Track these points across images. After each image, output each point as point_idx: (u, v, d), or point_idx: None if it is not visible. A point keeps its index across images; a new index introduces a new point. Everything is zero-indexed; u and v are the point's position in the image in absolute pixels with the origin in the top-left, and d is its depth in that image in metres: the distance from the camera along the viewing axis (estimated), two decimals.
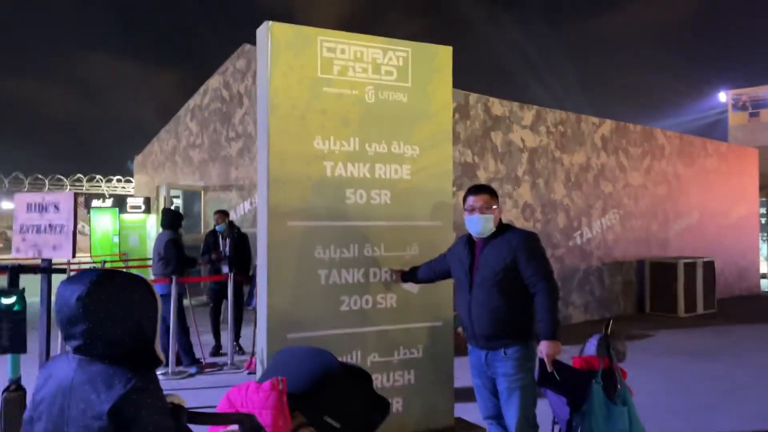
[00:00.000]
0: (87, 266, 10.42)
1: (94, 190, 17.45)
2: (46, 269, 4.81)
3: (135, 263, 12.63)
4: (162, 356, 1.80)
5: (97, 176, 17.78)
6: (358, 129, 3.77)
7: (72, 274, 1.91)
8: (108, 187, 17.89)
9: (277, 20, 3.61)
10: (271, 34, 3.57)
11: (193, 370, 6.53)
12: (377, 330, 3.81)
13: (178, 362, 6.62)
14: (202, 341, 7.38)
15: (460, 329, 3.52)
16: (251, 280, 7.01)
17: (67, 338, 1.71)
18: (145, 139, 16.19)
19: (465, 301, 3.34)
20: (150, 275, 8.15)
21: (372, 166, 3.81)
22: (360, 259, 3.78)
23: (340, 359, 2.49)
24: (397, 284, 3.88)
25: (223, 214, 7.82)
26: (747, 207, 14.51)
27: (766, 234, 17.11)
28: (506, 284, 3.20)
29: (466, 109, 8.86)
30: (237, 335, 7.40)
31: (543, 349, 3.14)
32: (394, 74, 3.88)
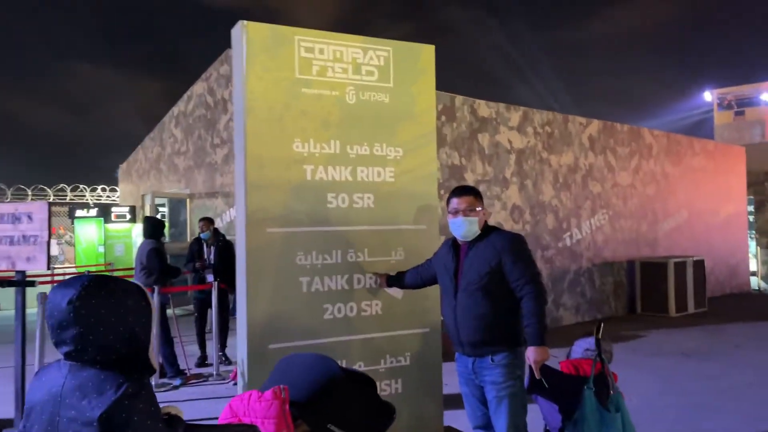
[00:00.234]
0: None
1: (78, 200, 17.19)
2: (20, 282, 4.67)
3: (121, 273, 12.42)
4: (156, 364, 1.77)
5: (81, 186, 17.52)
6: (339, 131, 3.66)
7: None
8: (92, 196, 17.63)
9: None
10: (246, 34, 3.46)
11: (177, 381, 6.37)
12: (362, 338, 3.69)
13: (162, 374, 6.46)
14: (187, 352, 7.23)
15: None
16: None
17: (57, 344, 1.67)
18: (130, 147, 16.00)
19: (450, 307, 3.23)
20: None
21: (354, 169, 3.70)
22: (343, 266, 3.66)
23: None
24: (383, 290, 3.76)
25: (207, 221, 7.68)
26: (735, 205, 14.53)
27: (754, 232, 17.15)
28: (492, 288, 3.09)
29: (452, 111, 8.77)
30: (223, 345, 7.25)
31: (530, 355, 3.03)
32: (375, 74, 3.77)
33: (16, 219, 4.59)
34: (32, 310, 5.18)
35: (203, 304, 7.47)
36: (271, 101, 3.49)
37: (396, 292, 3.73)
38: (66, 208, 15.64)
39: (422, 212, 3.90)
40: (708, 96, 37.94)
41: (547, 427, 3.56)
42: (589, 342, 3.61)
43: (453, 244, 3.31)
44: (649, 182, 11.99)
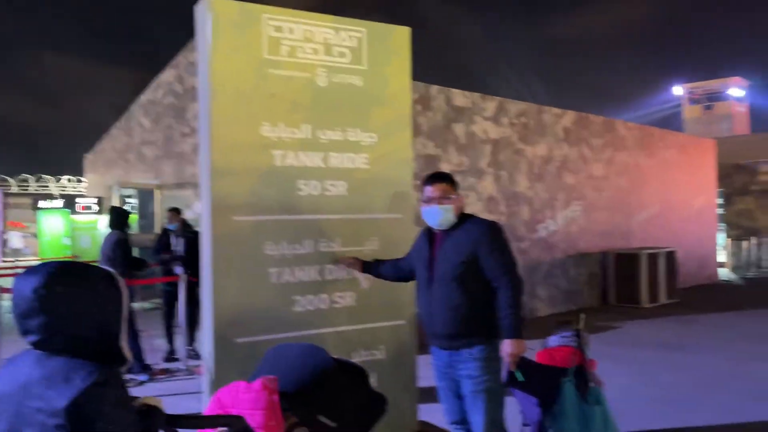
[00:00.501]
0: None
1: (43, 191, 16.68)
2: None
3: None
4: (129, 354, 1.72)
5: (46, 176, 17.01)
6: (310, 115, 3.49)
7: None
8: (57, 186, 17.12)
9: None
10: (212, 10, 3.26)
11: (143, 377, 6.15)
12: (335, 331, 3.54)
13: (128, 369, 6.23)
14: (155, 346, 7.01)
15: None
16: None
17: (24, 333, 1.64)
18: (97, 136, 15.52)
19: (425, 298, 3.10)
20: None
21: (326, 155, 3.54)
22: (315, 256, 3.50)
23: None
24: (357, 280, 3.61)
25: (175, 212, 7.44)
26: (706, 197, 14.71)
27: (723, 224, 17.44)
28: (467, 279, 2.96)
29: (427, 100, 8.64)
30: (191, 339, 7.04)
31: (505, 348, 2.90)
32: (347, 56, 3.60)
33: None
34: None
35: (171, 297, 7.23)
36: (237, 82, 3.31)
37: (365, 279, 3.52)
38: (29, 199, 15.15)
39: (397, 200, 3.76)
40: (677, 90, 38.58)
41: (525, 421, 3.47)
42: (562, 332, 3.53)
43: (428, 232, 3.17)
44: (623, 174, 12.04)
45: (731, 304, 11.17)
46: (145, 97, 12.89)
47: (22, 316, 1.62)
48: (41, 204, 14.13)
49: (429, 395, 4.52)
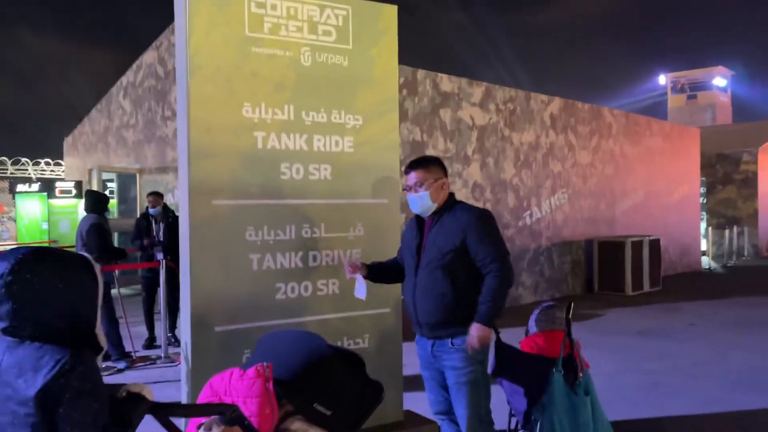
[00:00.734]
0: None
1: (20, 174, 16.32)
2: None
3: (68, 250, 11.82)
4: (104, 342, 1.70)
5: (24, 159, 16.63)
6: (293, 95, 3.35)
7: None
8: (35, 170, 16.76)
9: None
10: None
11: (122, 365, 6.02)
12: (318, 319, 3.44)
13: (106, 357, 6.09)
14: (135, 333, 6.87)
15: None
16: None
17: None
18: (76, 119, 15.18)
19: (410, 286, 3.01)
20: None
21: (310, 138, 3.41)
22: (297, 242, 3.39)
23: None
24: (340, 267, 3.50)
25: (157, 196, 7.26)
26: (689, 186, 14.78)
27: (705, 213, 17.56)
28: (454, 267, 2.85)
29: (414, 85, 8.51)
30: (172, 326, 6.90)
31: (473, 330, 2.78)
32: (333, 35, 3.47)
33: None
34: None
35: (152, 284, 7.09)
36: (218, 60, 3.17)
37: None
38: (6, 183, 14.80)
39: (383, 185, 3.65)
40: (662, 80, 38.72)
41: (513, 412, 3.40)
42: (541, 315, 3.47)
43: (418, 219, 3.07)
44: (608, 162, 12.03)
45: (713, 292, 11.25)
46: (125, 79, 12.60)
47: None
48: (19, 188, 13.79)
49: (413, 384, 4.46)
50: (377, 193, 3.64)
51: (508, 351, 3.24)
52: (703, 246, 15.75)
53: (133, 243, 7.36)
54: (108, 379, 5.63)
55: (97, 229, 6.05)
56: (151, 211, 7.19)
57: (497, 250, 2.85)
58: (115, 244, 11.75)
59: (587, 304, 9.69)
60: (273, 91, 3.30)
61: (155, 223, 7.22)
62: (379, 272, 3.21)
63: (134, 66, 12.21)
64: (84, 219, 6.27)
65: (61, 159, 16.89)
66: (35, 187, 13.79)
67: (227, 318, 3.17)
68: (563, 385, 3.00)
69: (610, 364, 6.03)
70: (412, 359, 3.82)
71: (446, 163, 8.55)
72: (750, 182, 18.38)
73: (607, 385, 5.10)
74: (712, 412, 4.68)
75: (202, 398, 2.18)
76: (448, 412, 3.03)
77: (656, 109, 36.54)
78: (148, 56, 11.64)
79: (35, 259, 1.62)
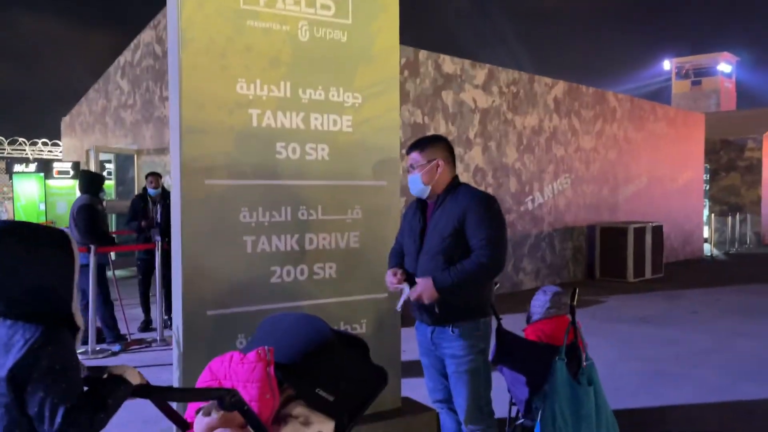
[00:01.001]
0: None
1: (18, 154, 16.17)
2: None
3: None
4: (81, 321, 1.67)
5: (21, 139, 16.48)
6: (290, 71, 3.22)
7: None
8: (33, 150, 16.62)
9: None
10: None
11: (116, 347, 5.94)
12: (314, 304, 3.34)
13: (101, 339, 6.02)
14: (131, 316, 6.79)
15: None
16: None
17: None
18: (74, 99, 15.00)
19: (410, 270, 2.89)
20: None
21: (307, 116, 3.29)
22: (293, 224, 3.27)
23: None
24: (338, 251, 3.40)
25: (157, 176, 7.14)
26: (693, 172, 14.64)
27: (707, 199, 17.44)
28: (455, 253, 2.72)
29: (415, 66, 8.35)
30: (168, 309, 6.81)
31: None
32: (331, 8, 3.33)
33: None
34: None
35: (148, 266, 6.99)
36: (211, 33, 3.03)
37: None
38: (3, 163, 14.67)
39: (383, 166, 3.53)
40: (666, 65, 38.39)
41: (513, 401, 3.32)
42: (543, 300, 3.37)
43: (421, 202, 2.96)
44: (612, 147, 11.88)
45: (715, 279, 11.17)
46: (123, 58, 12.42)
47: None
48: (16, 168, 13.66)
49: (411, 369, 4.38)
50: (376, 175, 3.52)
51: (509, 338, 3.14)
52: (706, 233, 15.64)
53: (128, 224, 7.24)
54: (102, 362, 5.58)
55: (87, 210, 5.92)
56: (151, 191, 7.08)
57: (493, 236, 2.67)
58: (113, 225, 11.69)
59: (588, 291, 9.61)
60: (269, 67, 3.17)
61: (152, 205, 7.11)
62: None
63: (132, 45, 12.02)
64: (76, 200, 6.16)
65: (59, 139, 16.73)
66: (32, 167, 13.67)
67: (220, 302, 3.07)
68: (566, 374, 2.90)
69: (611, 352, 5.95)
70: (410, 345, 3.73)
71: None
72: (754, 169, 18.23)
73: (608, 373, 5.02)
74: (714, 401, 4.60)
75: (201, 381, 2.12)
76: (448, 401, 2.94)
77: (660, 95, 36.25)
78: (146, 35, 11.46)
79: (8, 234, 1.58)
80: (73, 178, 13.15)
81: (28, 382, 1.49)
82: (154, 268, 6.69)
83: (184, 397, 2.06)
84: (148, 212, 7.07)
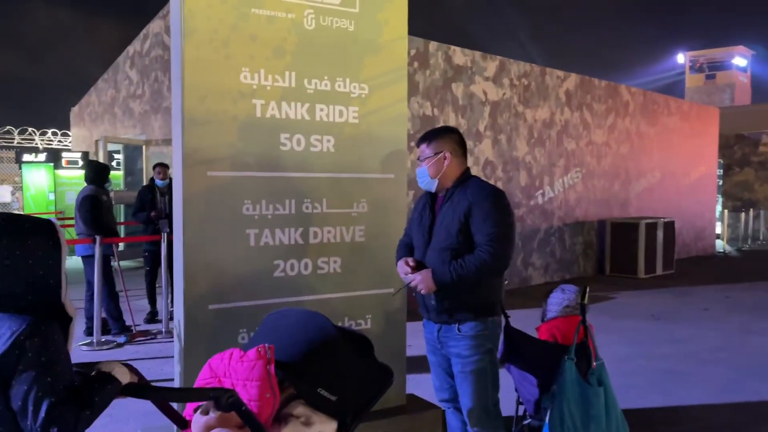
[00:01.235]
0: None
1: (27, 144, 16.21)
2: None
3: (72, 221, 11.75)
4: (73, 311, 1.63)
5: (30, 129, 16.51)
6: (295, 61, 3.15)
7: None
8: (42, 140, 16.65)
9: None
10: None
11: (121, 339, 5.92)
12: (318, 299, 3.27)
13: (106, 331, 6.00)
14: (137, 307, 6.77)
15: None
16: None
17: None
18: (84, 89, 15.00)
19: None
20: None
21: (312, 107, 3.21)
22: (297, 217, 3.21)
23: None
24: (343, 245, 3.33)
25: (164, 167, 7.10)
26: (706, 167, 14.44)
27: (720, 195, 17.22)
28: (462, 249, 2.64)
29: (425, 57, 8.24)
30: (174, 300, 6.79)
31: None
32: None
33: None
34: None
35: (155, 257, 6.96)
36: (215, 22, 2.96)
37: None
38: (12, 153, 14.70)
39: (390, 159, 3.45)
40: (680, 58, 37.90)
41: (520, 400, 3.24)
42: (560, 297, 3.28)
43: (430, 194, 2.88)
44: (624, 141, 11.73)
45: (727, 276, 11.02)
46: (132, 48, 12.38)
47: None
48: (25, 157, 13.69)
49: (417, 365, 4.31)
50: (383, 168, 3.44)
51: (516, 336, 3.07)
52: (718, 229, 15.45)
53: (134, 216, 7.20)
54: (107, 354, 5.56)
55: (90, 201, 5.88)
56: (158, 182, 7.04)
57: (499, 232, 2.58)
58: (121, 216, 11.70)
59: (598, 287, 9.50)
60: (273, 57, 3.09)
61: (160, 196, 7.07)
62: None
63: (141, 35, 11.98)
64: (81, 191, 6.13)
65: (68, 129, 16.76)
66: (42, 157, 13.70)
67: (222, 296, 3.01)
68: (575, 374, 2.82)
69: (622, 349, 5.86)
70: (416, 340, 3.67)
71: None
72: None
73: (618, 371, 4.93)
74: (726, 401, 4.50)
75: (201, 379, 2.07)
76: (454, 400, 2.87)
77: (674, 89, 35.81)
78: (155, 25, 11.41)
79: None
80: (82, 168, 13.17)
81: (12, 375, 1.46)
82: (161, 259, 6.67)
83: (178, 397, 2.01)
84: (156, 203, 7.04)
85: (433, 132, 2.87)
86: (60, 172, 13.21)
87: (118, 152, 13.20)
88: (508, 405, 3.36)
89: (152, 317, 6.84)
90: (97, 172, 6.16)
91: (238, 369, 1.94)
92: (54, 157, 13.55)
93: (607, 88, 11.25)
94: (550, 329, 3.14)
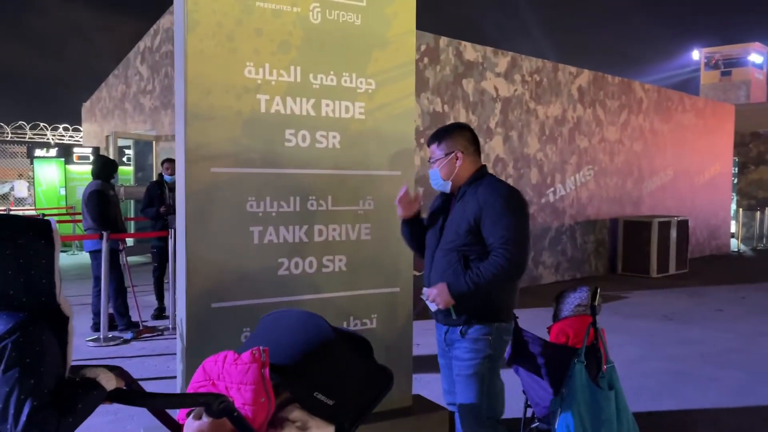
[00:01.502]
0: None
1: (39, 139, 16.30)
2: None
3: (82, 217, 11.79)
4: (69, 311, 1.63)
5: (42, 124, 16.59)
6: (301, 55, 3.09)
7: None
8: (54, 135, 16.73)
9: None
10: None
11: (128, 335, 5.90)
12: (323, 297, 3.22)
13: (112, 327, 5.99)
14: (145, 303, 6.76)
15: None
16: None
17: None
18: (95, 84, 15.05)
19: (427, 266, 2.77)
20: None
21: (317, 102, 3.15)
22: (302, 214, 3.15)
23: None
24: (349, 243, 3.26)
25: (173, 163, 7.08)
26: (721, 165, 14.24)
27: (735, 193, 16.98)
28: (471, 251, 2.57)
29: (435, 52, 8.16)
30: None
31: (439, 288, 2.56)
32: None
33: None
34: None
35: (163, 253, 6.96)
36: (219, 15, 2.91)
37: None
38: (24, 148, 14.79)
39: (397, 155, 3.39)
40: (695, 55, 37.45)
41: (528, 402, 3.17)
42: (573, 297, 3.21)
43: (446, 195, 2.81)
44: (637, 138, 11.57)
45: (742, 276, 10.85)
46: (142, 44, 12.39)
47: None
48: (37, 153, 13.76)
49: (423, 365, 4.25)
50: (390, 164, 3.38)
51: (525, 337, 3.00)
52: (733, 228, 15.24)
53: (143, 212, 7.19)
54: (114, 350, 5.55)
55: (96, 196, 5.87)
56: (167, 178, 7.03)
57: (513, 235, 2.49)
58: (131, 212, 11.72)
59: (610, 286, 9.39)
60: (278, 51, 3.04)
61: (169, 191, 7.06)
62: (418, 229, 2.91)
63: (151, 31, 11.98)
64: (87, 186, 6.12)
65: (80, 125, 16.82)
66: (53, 152, 13.77)
67: (225, 294, 2.97)
68: (585, 377, 2.75)
69: (633, 350, 5.77)
70: (424, 339, 3.61)
71: None
72: None
73: (630, 373, 4.85)
74: (739, 406, 4.41)
75: (195, 381, 2.01)
76: None
77: (688, 86, 35.42)
78: (165, 21, 11.40)
79: None
80: (93, 163, 13.23)
81: None
82: (169, 255, 6.65)
83: (167, 403, 1.95)
84: (165, 199, 7.03)
85: (443, 131, 2.79)
86: (71, 167, 13.27)
87: (128, 147, 13.23)
88: (515, 407, 3.29)
89: (160, 313, 6.83)
90: (103, 167, 6.15)
91: (232, 372, 1.88)
92: (65, 152, 13.61)
93: (620, 85, 11.10)
94: (563, 328, 3.07)
